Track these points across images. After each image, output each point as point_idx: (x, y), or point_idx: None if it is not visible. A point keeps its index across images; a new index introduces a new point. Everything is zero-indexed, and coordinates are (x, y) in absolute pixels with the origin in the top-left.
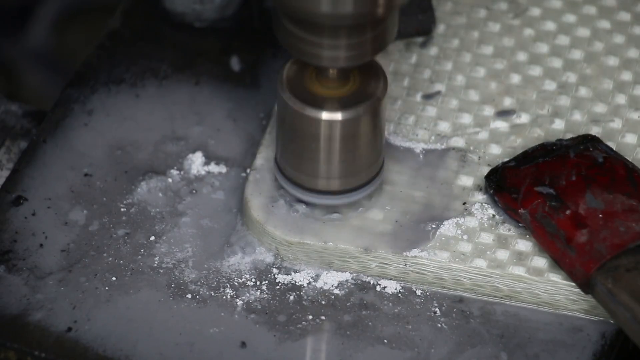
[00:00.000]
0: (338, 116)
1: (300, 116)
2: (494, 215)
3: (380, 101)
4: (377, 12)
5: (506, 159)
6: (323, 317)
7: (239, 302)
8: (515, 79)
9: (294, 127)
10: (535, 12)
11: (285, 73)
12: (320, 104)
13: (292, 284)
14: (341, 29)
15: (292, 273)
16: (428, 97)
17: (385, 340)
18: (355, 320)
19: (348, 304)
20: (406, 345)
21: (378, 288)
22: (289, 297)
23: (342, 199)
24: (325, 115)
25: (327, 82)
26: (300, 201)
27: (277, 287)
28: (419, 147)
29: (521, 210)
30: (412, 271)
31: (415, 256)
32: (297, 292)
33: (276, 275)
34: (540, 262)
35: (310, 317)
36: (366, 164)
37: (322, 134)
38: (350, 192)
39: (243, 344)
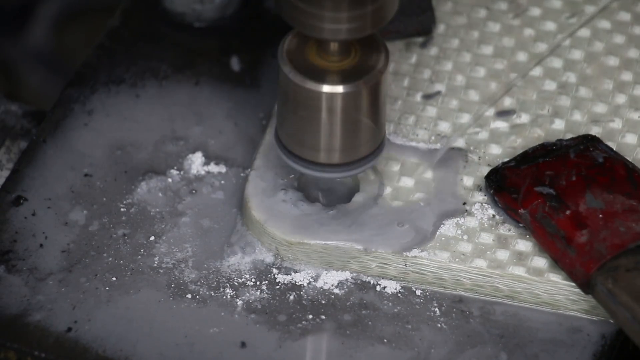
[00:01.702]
0: (339, 89)
1: (301, 89)
2: (494, 216)
3: (381, 74)
4: None
5: (506, 159)
6: (323, 317)
7: (239, 302)
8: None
9: (294, 100)
10: (535, 12)
11: (286, 45)
12: (322, 77)
13: (292, 283)
14: (343, 1)
15: (292, 273)
16: (428, 97)
17: (385, 340)
18: (355, 319)
19: (348, 304)
20: (406, 345)
21: (378, 288)
22: (289, 297)
23: (344, 172)
24: (326, 88)
25: (328, 55)
26: (301, 199)
27: (277, 287)
28: (419, 147)
29: (521, 211)
30: (412, 271)
31: (416, 256)
32: (297, 292)
33: (276, 275)
34: (540, 262)
35: (311, 316)
36: (367, 137)
37: (323, 106)
38: (351, 165)
39: (243, 344)
